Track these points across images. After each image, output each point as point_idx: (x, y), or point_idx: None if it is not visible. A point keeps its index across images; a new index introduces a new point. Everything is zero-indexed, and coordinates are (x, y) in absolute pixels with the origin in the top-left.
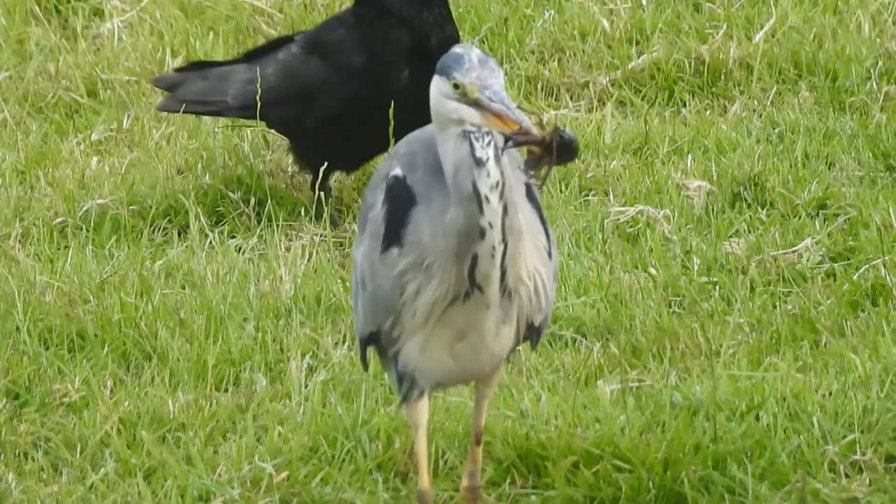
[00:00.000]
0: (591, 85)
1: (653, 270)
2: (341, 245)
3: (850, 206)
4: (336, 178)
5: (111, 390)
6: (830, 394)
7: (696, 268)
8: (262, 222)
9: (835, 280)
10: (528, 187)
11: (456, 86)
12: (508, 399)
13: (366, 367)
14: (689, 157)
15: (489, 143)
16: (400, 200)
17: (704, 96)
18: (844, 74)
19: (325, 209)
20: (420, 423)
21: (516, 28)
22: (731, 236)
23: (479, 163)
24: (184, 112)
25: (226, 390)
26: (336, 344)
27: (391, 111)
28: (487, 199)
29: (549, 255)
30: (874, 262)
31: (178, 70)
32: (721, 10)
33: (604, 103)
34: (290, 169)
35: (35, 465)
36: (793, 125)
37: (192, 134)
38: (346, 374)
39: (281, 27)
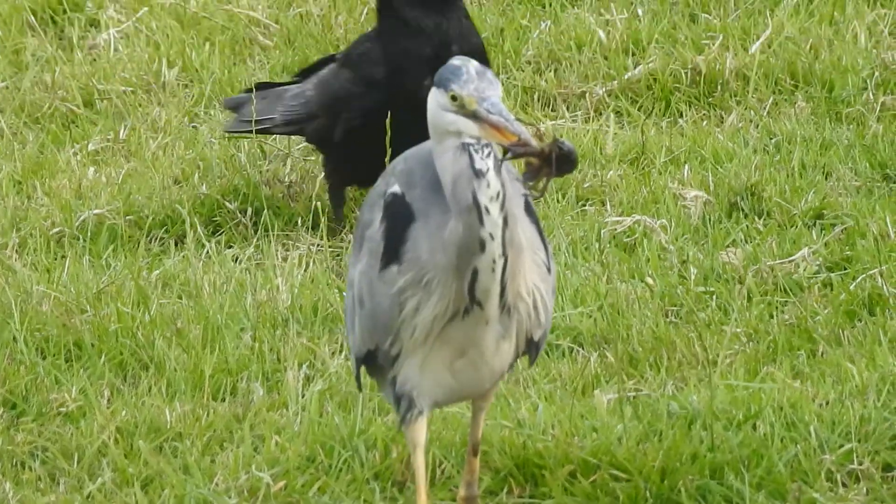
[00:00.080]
0: (587, 95)
1: (650, 280)
2: (338, 255)
3: (847, 216)
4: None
5: (108, 400)
6: (827, 403)
7: (692, 277)
8: (259, 232)
9: (831, 290)
10: (527, 201)
11: (454, 98)
12: (506, 408)
13: (360, 386)
14: (686, 167)
15: (488, 154)
16: (398, 218)
17: (701, 107)
18: (841, 85)
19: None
20: (418, 443)
21: (512, 39)
22: (727, 246)
23: (479, 174)
24: (244, 132)
25: (223, 400)
26: (333, 354)
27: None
28: (488, 210)
29: (548, 269)
30: (871, 272)
31: (246, 91)
32: (717, 20)
33: (600, 114)
34: (287, 179)
35: (32, 474)
36: (789, 135)
37: (189, 144)
38: (342, 383)
39: (277, 38)
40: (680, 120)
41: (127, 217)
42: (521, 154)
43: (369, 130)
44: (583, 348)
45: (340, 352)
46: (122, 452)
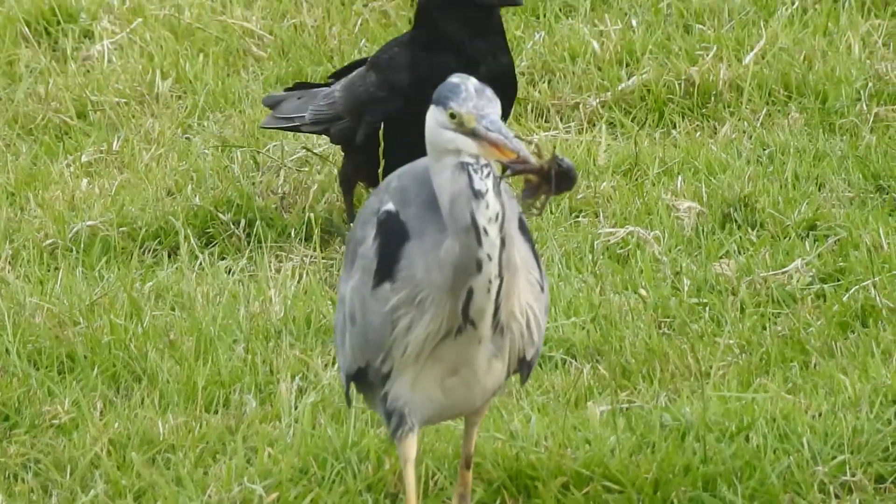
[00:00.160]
0: (581, 107)
1: (643, 291)
2: (331, 266)
3: (840, 227)
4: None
5: (101, 412)
6: (820, 415)
7: (685, 289)
8: (252, 244)
9: (825, 301)
10: (520, 218)
11: (452, 115)
12: (498, 420)
13: (350, 403)
14: (680, 178)
15: (487, 174)
16: (392, 235)
17: (694, 118)
18: (834, 96)
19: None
20: (409, 458)
21: None
22: (721, 257)
23: (478, 195)
24: (276, 128)
25: (215, 412)
26: (326, 365)
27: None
28: (486, 231)
29: (542, 288)
30: (864, 283)
31: (286, 90)
32: (711, 31)
33: (594, 125)
34: (280, 191)
35: (25, 486)
36: (783, 146)
37: (182, 155)
38: (335, 395)
39: (271, 49)
40: (673, 131)
41: (120, 228)
42: (521, 171)
43: (387, 134)
44: (576, 360)
45: (333, 364)
46: (115, 464)
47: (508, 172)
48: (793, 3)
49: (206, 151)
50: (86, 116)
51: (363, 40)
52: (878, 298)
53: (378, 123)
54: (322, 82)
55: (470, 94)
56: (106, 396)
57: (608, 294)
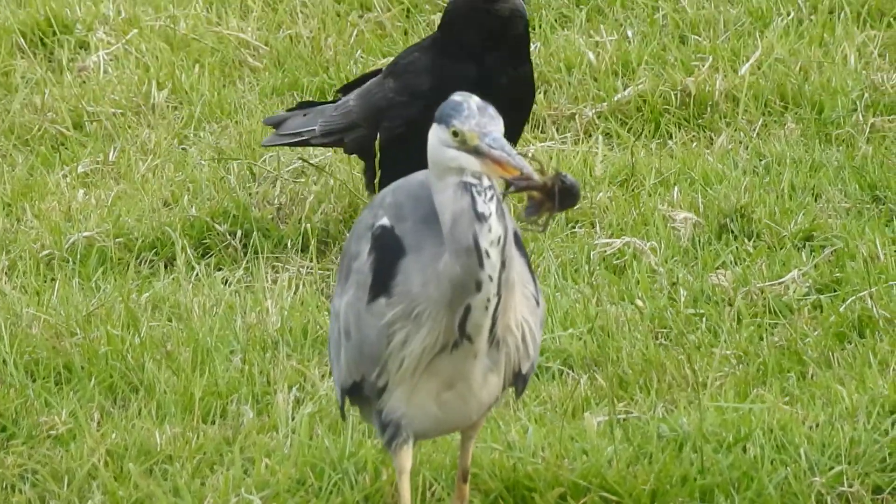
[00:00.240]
0: (577, 117)
1: (639, 302)
2: (328, 277)
3: (837, 238)
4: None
5: (98, 423)
6: (817, 425)
7: (682, 300)
8: (249, 254)
9: (821, 312)
10: (515, 233)
11: (455, 133)
12: (495, 431)
13: (344, 416)
14: (676, 188)
15: (491, 197)
16: (388, 250)
17: (691, 128)
18: (830, 106)
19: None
20: (404, 469)
21: None
22: (717, 268)
23: (482, 218)
24: (281, 145)
25: (213, 423)
26: (323, 376)
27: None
28: (488, 254)
29: (537, 302)
30: (861, 294)
31: (289, 110)
32: (707, 42)
33: (590, 135)
34: (276, 201)
35: (22, 497)
36: (779, 157)
37: (179, 166)
38: (332, 406)
39: (266, 60)
40: (669, 142)
41: (116, 239)
42: (524, 188)
43: (408, 140)
44: (573, 370)
45: (330, 375)
46: (112, 475)
47: (511, 189)
48: (788, 14)
49: (203, 162)
50: (82, 127)
51: (359, 51)
52: (874, 309)
53: (398, 129)
54: (324, 100)
55: (472, 111)
56: (103, 407)
57: (605, 305)
